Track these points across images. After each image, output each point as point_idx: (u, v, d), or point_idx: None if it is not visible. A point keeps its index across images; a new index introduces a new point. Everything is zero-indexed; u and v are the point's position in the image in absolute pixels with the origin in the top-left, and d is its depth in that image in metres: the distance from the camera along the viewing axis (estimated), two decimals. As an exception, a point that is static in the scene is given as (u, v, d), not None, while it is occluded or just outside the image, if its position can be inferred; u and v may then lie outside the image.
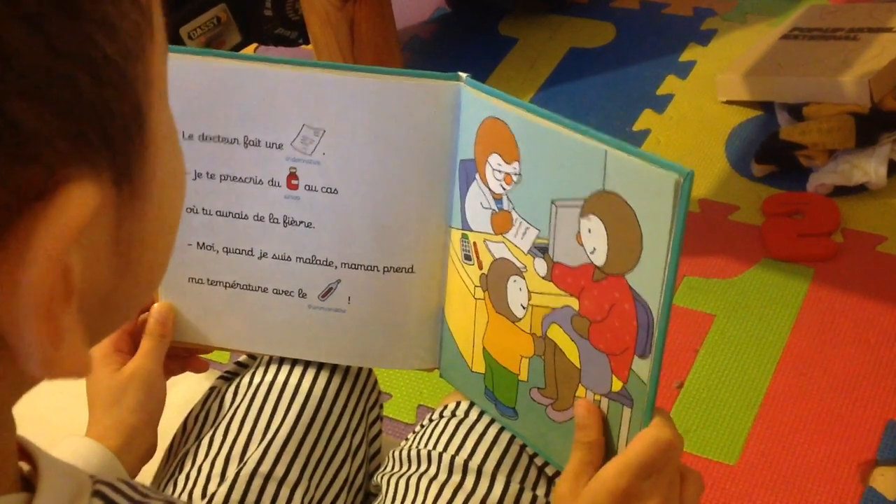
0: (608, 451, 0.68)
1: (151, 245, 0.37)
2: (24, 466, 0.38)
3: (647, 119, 2.15)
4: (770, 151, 1.94)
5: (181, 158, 0.39)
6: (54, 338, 0.31)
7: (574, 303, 0.69)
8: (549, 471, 0.80)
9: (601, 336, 0.67)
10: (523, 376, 0.76)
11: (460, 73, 0.76)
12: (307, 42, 2.18)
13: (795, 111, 1.98)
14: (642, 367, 0.65)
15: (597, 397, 0.69)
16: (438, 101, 0.76)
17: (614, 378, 0.67)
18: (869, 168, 1.84)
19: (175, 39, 2.07)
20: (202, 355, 0.91)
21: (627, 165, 0.61)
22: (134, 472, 0.80)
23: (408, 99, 0.76)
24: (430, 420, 0.86)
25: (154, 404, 0.82)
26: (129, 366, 0.81)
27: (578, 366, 0.70)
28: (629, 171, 0.61)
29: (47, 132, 0.29)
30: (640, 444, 0.63)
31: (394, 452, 0.86)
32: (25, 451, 0.38)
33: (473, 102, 0.74)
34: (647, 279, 0.62)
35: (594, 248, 0.66)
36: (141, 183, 0.35)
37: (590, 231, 0.65)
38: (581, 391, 0.70)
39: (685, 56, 2.34)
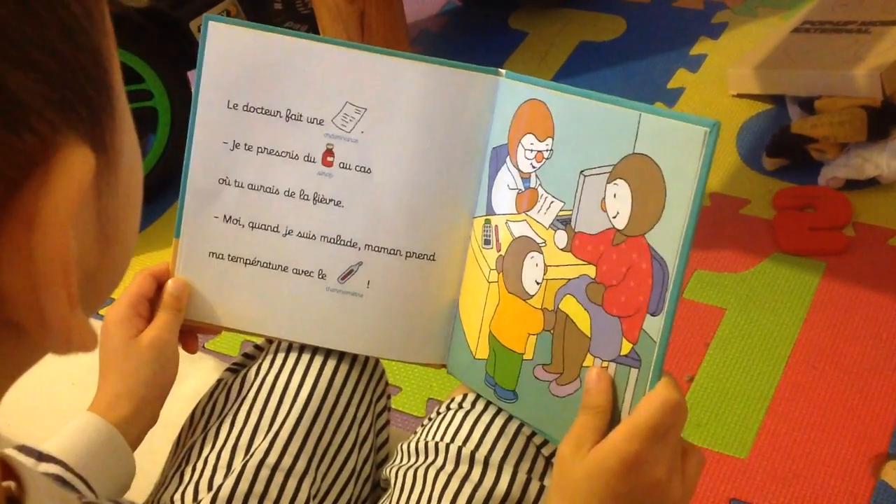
0: (613, 416, 0.69)
1: (124, 221, 0.37)
2: (11, 485, 0.38)
3: (657, 113, 2.15)
4: (781, 145, 1.93)
5: (135, 136, 0.39)
6: (73, 305, 0.32)
7: (591, 270, 0.71)
8: (557, 461, 0.79)
9: (615, 300, 0.69)
10: (528, 355, 0.77)
11: (500, 70, 0.79)
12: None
13: (807, 105, 1.98)
14: (653, 325, 0.66)
15: (604, 364, 0.70)
16: (479, 92, 0.79)
17: (624, 341, 0.69)
18: (881, 161, 1.83)
19: (184, 33, 2.07)
20: (205, 338, 0.91)
21: (659, 126, 0.65)
22: (135, 445, 0.80)
23: (451, 87, 0.79)
24: (438, 413, 0.86)
25: (166, 379, 0.82)
26: (146, 334, 0.81)
27: (589, 335, 0.71)
28: (660, 131, 0.65)
29: (37, 100, 0.29)
30: (649, 406, 0.63)
31: (402, 445, 0.86)
32: (11, 470, 0.38)
33: (511, 90, 0.77)
34: (667, 235, 0.65)
35: (617, 213, 0.68)
36: (114, 154, 0.35)
37: (615, 196, 0.68)
38: (588, 361, 0.72)
39: (696, 49, 2.34)
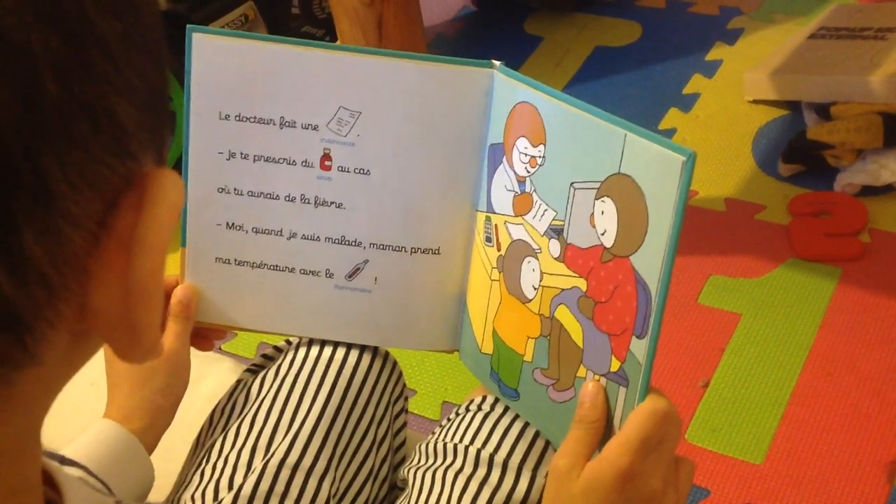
0: (605, 432, 0.70)
1: None
2: (50, 493, 0.38)
3: (673, 118, 2.15)
4: (797, 151, 1.93)
5: None
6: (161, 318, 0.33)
7: (582, 284, 0.71)
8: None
9: (604, 317, 0.69)
10: (528, 357, 0.78)
11: (494, 61, 0.78)
12: (333, 40, 2.19)
13: (823, 110, 1.97)
14: (639, 348, 0.67)
15: (596, 377, 0.71)
16: (472, 87, 0.79)
17: (613, 358, 0.69)
18: (897, 168, 1.83)
19: (203, 37, 2.08)
20: (215, 339, 0.92)
21: (642, 148, 0.64)
22: (152, 448, 0.81)
23: (444, 84, 0.79)
24: (457, 414, 0.86)
25: (180, 386, 0.84)
26: None
27: (581, 346, 0.72)
28: (643, 153, 0.64)
29: (135, 126, 0.31)
30: (638, 419, 0.64)
31: (420, 446, 0.86)
32: (50, 479, 0.38)
33: (505, 88, 0.77)
34: (649, 260, 0.65)
35: (605, 230, 0.68)
36: None
37: (603, 213, 0.68)
38: (582, 371, 0.72)
39: (711, 55, 2.33)
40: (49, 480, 0.38)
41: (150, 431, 0.81)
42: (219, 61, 0.80)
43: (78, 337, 0.33)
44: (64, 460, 0.75)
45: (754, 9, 2.47)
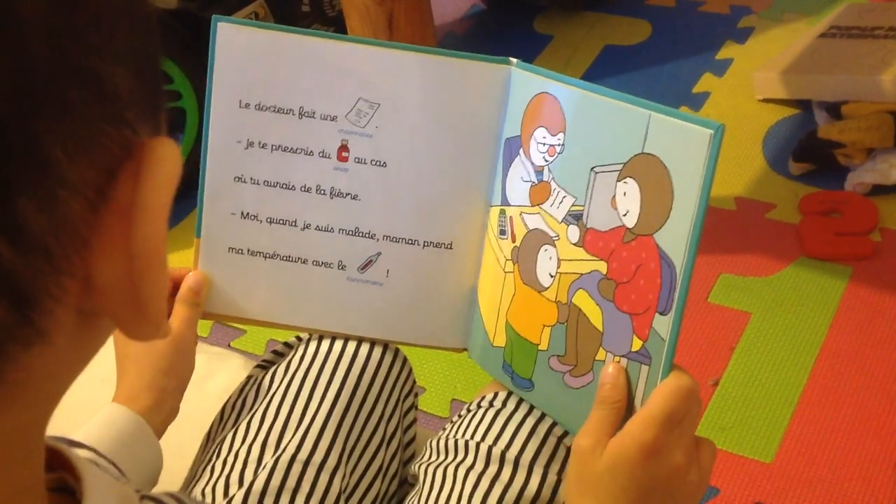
0: (626, 410, 0.70)
1: None
2: (68, 479, 0.38)
3: (683, 117, 2.14)
4: (808, 150, 1.93)
5: None
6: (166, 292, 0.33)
7: (602, 266, 0.72)
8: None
9: (626, 297, 0.70)
10: (543, 346, 0.78)
11: (511, 59, 0.80)
12: (343, 38, 2.19)
13: (833, 109, 1.97)
14: (662, 324, 0.67)
15: (616, 359, 0.71)
16: (490, 82, 0.80)
17: (635, 338, 0.69)
18: (908, 167, 1.82)
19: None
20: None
21: (668, 126, 0.65)
22: (159, 433, 0.82)
23: (463, 79, 0.80)
24: (468, 410, 0.86)
25: (186, 369, 0.84)
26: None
27: (601, 329, 0.72)
28: (669, 131, 0.65)
29: (130, 95, 0.31)
30: (662, 394, 0.64)
31: (431, 442, 0.86)
32: (70, 465, 0.38)
33: (523, 83, 0.79)
34: (674, 236, 0.66)
35: (627, 211, 0.69)
36: None
37: (625, 194, 0.69)
38: (601, 354, 0.73)
39: (722, 54, 2.33)
40: (66, 465, 0.38)
41: (157, 412, 0.81)
42: (242, 51, 0.81)
43: (85, 317, 0.32)
44: (73, 443, 0.75)
45: (765, 8, 2.46)
